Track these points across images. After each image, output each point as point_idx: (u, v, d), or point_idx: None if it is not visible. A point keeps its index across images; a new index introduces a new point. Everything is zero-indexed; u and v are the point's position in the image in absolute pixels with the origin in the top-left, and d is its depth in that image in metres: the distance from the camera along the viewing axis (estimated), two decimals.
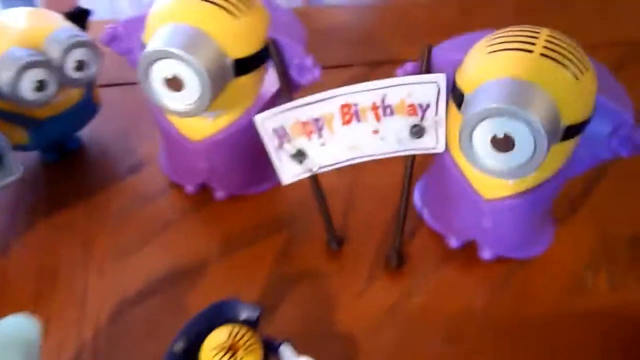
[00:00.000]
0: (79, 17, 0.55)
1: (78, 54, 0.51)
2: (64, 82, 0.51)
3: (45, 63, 0.49)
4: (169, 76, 0.44)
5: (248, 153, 0.52)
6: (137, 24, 0.49)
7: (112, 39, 0.51)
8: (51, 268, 0.50)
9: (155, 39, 0.44)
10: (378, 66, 0.68)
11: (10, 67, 0.47)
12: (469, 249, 0.51)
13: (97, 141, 0.61)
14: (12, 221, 0.53)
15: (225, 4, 0.45)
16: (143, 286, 0.48)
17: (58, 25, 0.51)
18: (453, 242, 0.51)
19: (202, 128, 0.49)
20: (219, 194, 0.55)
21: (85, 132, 0.59)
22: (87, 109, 0.56)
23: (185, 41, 0.43)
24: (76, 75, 0.51)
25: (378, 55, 0.70)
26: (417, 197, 0.54)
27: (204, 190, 0.55)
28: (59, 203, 0.55)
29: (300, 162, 0.47)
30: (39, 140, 0.54)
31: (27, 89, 0.49)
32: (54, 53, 0.50)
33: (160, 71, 0.44)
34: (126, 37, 0.51)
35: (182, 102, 0.45)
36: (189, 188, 0.55)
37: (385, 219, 0.53)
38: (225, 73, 0.45)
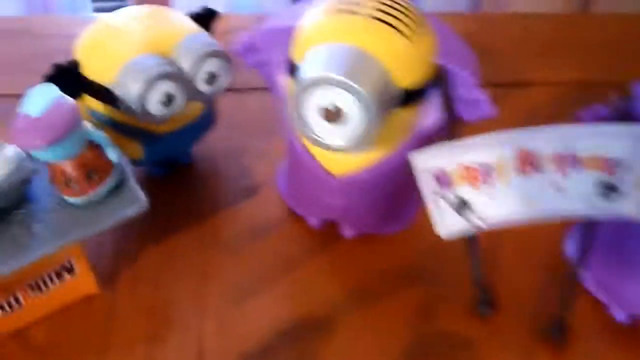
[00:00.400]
0: (205, 19, 0.49)
1: (210, 65, 0.45)
2: (192, 96, 0.45)
3: (176, 74, 0.43)
4: (328, 106, 0.37)
5: (391, 192, 0.45)
6: (279, 35, 0.43)
7: (248, 50, 0.45)
8: (163, 306, 0.44)
9: (313, 62, 0.37)
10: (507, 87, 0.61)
11: (139, 77, 0.41)
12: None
13: (207, 155, 0.55)
14: (118, 247, 0.47)
15: (396, 23, 0.38)
16: (266, 339, 0.42)
17: (188, 29, 0.45)
18: (313, 221, 0.49)
19: (347, 163, 0.43)
20: (348, 232, 0.48)
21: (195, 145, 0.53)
22: (206, 122, 0.50)
23: (351, 66, 0.36)
24: (205, 88, 0.45)
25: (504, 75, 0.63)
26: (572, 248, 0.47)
27: (329, 224, 0.49)
28: (167, 227, 0.49)
29: (463, 214, 0.39)
30: (153, 156, 0.49)
31: (153, 102, 0.43)
32: (185, 63, 0.44)
33: (317, 100, 0.37)
34: (264, 49, 0.45)
35: (340, 135, 0.38)
36: (313, 221, 0.49)
37: (537, 279, 0.46)
38: (391, 104, 0.38)
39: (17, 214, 0.40)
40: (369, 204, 0.45)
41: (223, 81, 0.46)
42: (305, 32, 0.40)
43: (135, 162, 0.47)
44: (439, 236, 0.41)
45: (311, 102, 0.37)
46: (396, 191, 0.45)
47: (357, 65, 0.37)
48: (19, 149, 0.37)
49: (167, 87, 0.43)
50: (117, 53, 0.43)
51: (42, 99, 0.37)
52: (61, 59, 0.44)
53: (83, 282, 0.43)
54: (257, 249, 0.48)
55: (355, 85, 0.36)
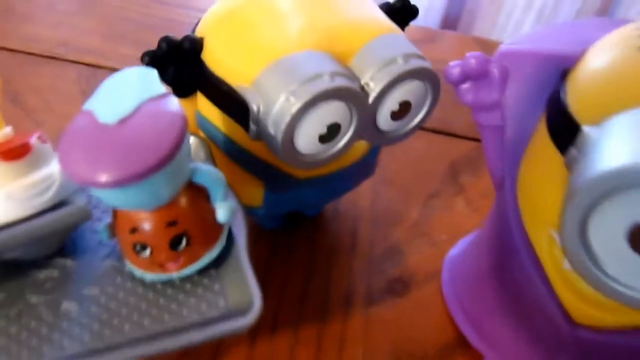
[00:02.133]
0: (400, 16, 0.31)
1: (405, 90, 0.26)
2: (364, 133, 0.27)
3: (355, 96, 0.25)
4: None
5: None
6: (536, 68, 0.24)
7: (468, 80, 0.27)
8: None
9: (628, 140, 0.18)
10: None
11: (296, 87, 0.24)
12: None
13: (337, 211, 0.37)
14: None
15: None
16: None
17: (381, 27, 0.27)
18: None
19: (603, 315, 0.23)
20: None
21: None
22: (363, 170, 0.32)
23: None
24: (389, 124, 0.27)
25: None
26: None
27: None
28: (285, 309, 0.31)
29: None
30: (276, 207, 0.31)
31: (307, 133, 0.25)
32: (371, 81, 0.25)
33: (629, 211, 0.18)
34: (498, 84, 0.26)
35: None
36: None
37: None
38: None
39: (45, 276, 0.23)
40: None
41: (417, 118, 0.28)
42: (605, 80, 0.21)
43: (247, 210, 0.30)
44: None
45: (616, 215, 0.18)
46: None
47: None
48: (70, 175, 0.20)
49: (335, 112, 0.25)
50: (264, 42, 0.25)
51: (129, 94, 0.20)
52: (174, 34, 0.27)
53: None
54: None
55: None
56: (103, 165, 0.19)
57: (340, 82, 0.24)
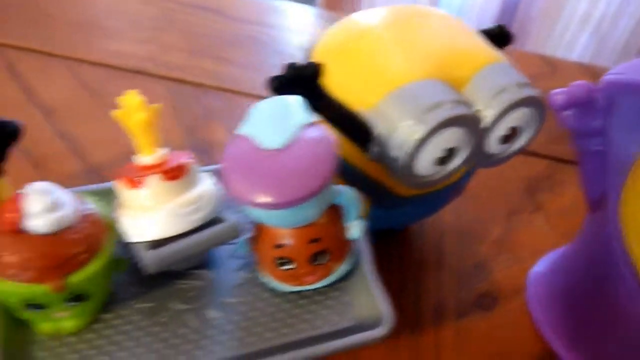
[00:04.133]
0: (497, 42, 0.32)
1: (516, 117, 0.28)
2: (473, 157, 0.28)
3: (473, 122, 0.26)
4: None
5: None
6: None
7: (572, 107, 0.28)
8: None
9: None
10: None
11: (420, 115, 0.25)
12: None
13: (423, 227, 0.39)
14: None
15: None
16: None
17: (489, 56, 0.29)
18: None
19: None
20: None
21: None
22: (456, 189, 0.34)
23: None
24: (496, 147, 0.29)
25: None
26: None
27: None
28: None
29: None
30: (379, 223, 0.32)
31: (427, 157, 0.26)
32: (485, 107, 0.27)
33: None
34: (602, 110, 0.28)
35: None
36: None
37: None
38: None
39: (188, 286, 0.25)
40: None
41: (522, 142, 0.30)
42: None
43: None
44: None
45: None
46: None
47: None
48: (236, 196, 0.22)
49: (452, 137, 0.27)
50: (384, 70, 0.27)
51: (285, 122, 0.22)
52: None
53: None
54: None
55: None
56: (270, 188, 0.21)
57: (461, 110, 0.26)
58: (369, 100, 0.27)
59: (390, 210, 0.32)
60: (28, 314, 0.23)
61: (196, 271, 0.26)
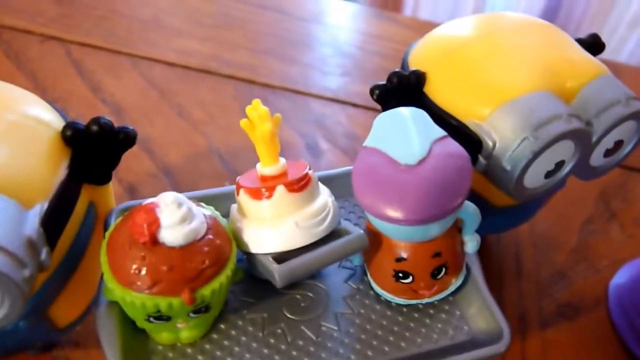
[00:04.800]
0: (590, 49, 0.32)
1: (620, 131, 0.28)
2: (577, 169, 0.28)
3: (585, 135, 0.26)
4: None
5: None
6: None
7: None
8: None
9: None
10: None
11: (536, 128, 0.25)
12: None
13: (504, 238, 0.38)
14: None
15: None
16: None
17: (595, 68, 0.28)
18: None
19: None
20: None
21: None
22: (547, 198, 0.33)
23: None
24: (599, 161, 0.28)
25: None
26: None
27: None
28: None
29: None
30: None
31: (537, 169, 0.26)
32: (594, 120, 0.27)
33: None
34: None
35: None
36: None
37: None
38: None
39: (300, 297, 0.25)
40: None
41: (622, 154, 0.29)
42: None
43: None
44: None
45: None
46: None
47: None
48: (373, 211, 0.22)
49: (564, 150, 0.26)
50: (495, 81, 0.27)
51: (416, 135, 0.22)
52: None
53: None
54: None
55: None
56: (409, 204, 0.20)
57: (576, 124, 0.26)
58: (479, 112, 0.27)
59: (483, 220, 0.32)
60: (149, 325, 0.22)
61: (306, 281, 0.26)
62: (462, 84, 0.28)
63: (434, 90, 0.28)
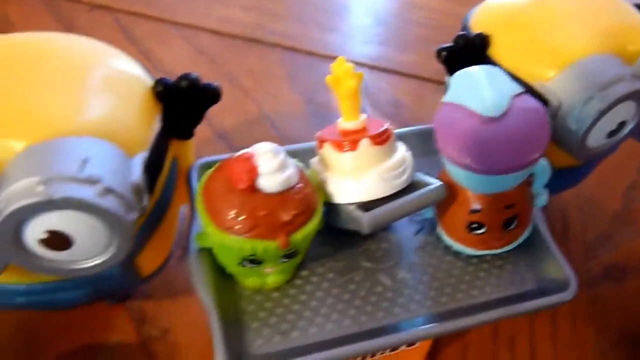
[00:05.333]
0: None
1: None
2: (636, 129, 0.29)
3: None
4: None
5: None
6: None
7: None
8: None
9: None
10: None
11: (599, 90, 0.26)
12: None
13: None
14: None
15: None
16: None
17: None
18: None
19: None
20: None
21: None
22: (606, 156, 0.34)
23: None
24: None
25: None
26: None
27: None
28: None
29: None
30: None
31: (601, 129, 0.27)
32: None
33: None
34: None
35: None
36: None
37: None
38: None
39: (375, 246, 0.26)
40: None
41: None
42: None
43: None
44: None
45: None
46: None
47: None
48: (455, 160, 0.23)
49: (626, 110, 0.27)
50: (559, 43, 0.28)
51: (496, 91, 0.23)
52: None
53: (414, 355, 0.29)
54: None
55: None
56: (492, 154, 0.21)
57: (639, 85, 0.27)
58: (544, 73, 0.28)
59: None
60: (239, 270, 0.24)
61: (379, 234, 0.27)
62: (527, 46, 0.29)
63: (498, 53, 0.29)
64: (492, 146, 0.22)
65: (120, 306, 0.32)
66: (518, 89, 0.24)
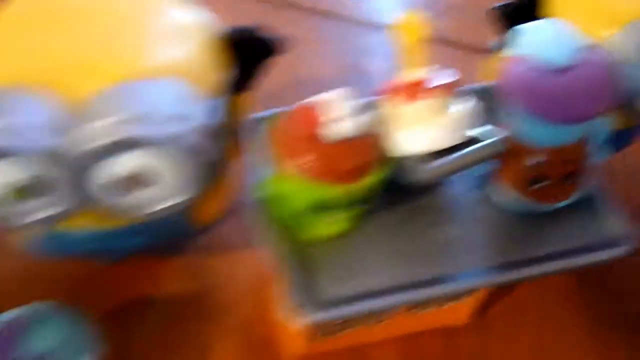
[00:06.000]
0: None
1: None
2: None
3: None
4: None
5: None
6: None
7: None
8: None
9: None
10: None
11: None
12: None
13: None
14: None
15: None
16: None
17: None
18: None
19: None
20: None
21: None
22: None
23: None
24: None
25: None
26: None
27: None
28: None
29: None
30: None
31: None
32: None
33: None
34: None
35: None
36: None
37: None
38: None
39: (429, 202, 0.26)
40: None
41: None
42: None
43: None
44: None
45: None
46: None
47: None
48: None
49: None
50: (615, 4, 0.28)
51: (565, 43, 0.23)
52: None
53: (459, 311, 0.30)
54: None
55: None
56: (562, 102, 0.22)
57: None
58: (600, 33, 0.28)
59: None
60: (305, 217, 0.24)
61: (433, 188, 0.27)
62: (582, 7, 0.29)
63: (553, 13, 0.29)
64: (564, 95, 0.22)
65: (173, 261, 0.32)
66: (587, 40, 0.24)
